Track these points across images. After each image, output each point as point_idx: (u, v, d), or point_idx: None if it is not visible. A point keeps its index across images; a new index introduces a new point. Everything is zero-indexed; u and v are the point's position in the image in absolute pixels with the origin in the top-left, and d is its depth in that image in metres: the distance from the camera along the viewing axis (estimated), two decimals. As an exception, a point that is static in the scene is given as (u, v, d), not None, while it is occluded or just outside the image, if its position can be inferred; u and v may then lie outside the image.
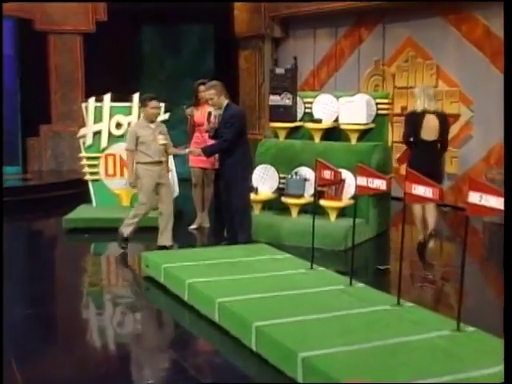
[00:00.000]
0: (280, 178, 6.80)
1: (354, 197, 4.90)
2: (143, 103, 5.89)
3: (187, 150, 6.06)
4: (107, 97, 7.72)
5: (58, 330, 4.34)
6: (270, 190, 6.83)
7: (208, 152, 5.81)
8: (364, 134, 6.73)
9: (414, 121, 5.78)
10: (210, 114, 5.88)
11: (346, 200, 6.36)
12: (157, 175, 5.80)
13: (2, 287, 4.67)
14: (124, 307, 4.63)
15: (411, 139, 5.80)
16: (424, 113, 5.75)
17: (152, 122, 5.85)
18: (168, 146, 5.90)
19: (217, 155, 6.00)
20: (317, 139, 6.85)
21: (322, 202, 6.35)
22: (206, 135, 6.53)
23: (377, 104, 6.75)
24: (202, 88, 6.57)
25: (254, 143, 8.10)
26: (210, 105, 5.87)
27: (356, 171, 4.36)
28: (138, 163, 5.83)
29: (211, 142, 6.21)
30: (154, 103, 5.83)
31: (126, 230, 5.96)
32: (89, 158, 7.72)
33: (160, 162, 5.82)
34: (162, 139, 5.78)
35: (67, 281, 5.32)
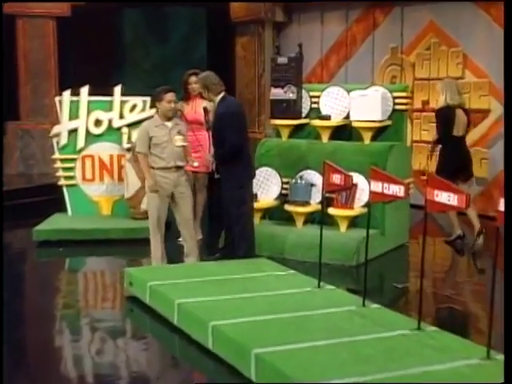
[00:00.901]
0: (283, 182, 6.81)
1: (368, 204, 4.92)
2: (158, 97, 5.58)
3: (196, 164, 5.84)
4: (84, 90, 7.73)
5: (26, 360, 4.31)
6: (272, 197, 6.84)
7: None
8: (379, 133, 6.74)
9: (448, 117, 6.32)
10: (205, 109, 5.86)
11: (358, 208, 6.36)
12: (173, 183, 5.56)
13: (1, 287, 4.98)
14: (104, 333, 4.62)
15: (443, 136, 6.33)
16: (454, 108, 6.36)
17: (169, 119, 5.61)
18: (187, 150, 5.69)
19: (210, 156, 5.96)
20: (325, 138, 6.87)
21: (331, 211, 6.35)
22: (201, 134, 6.54)
23: (394, 98, 6.76)
24: (192, 79, 6.60)
25: (254, 143, 8.05)
26: (203, 99, 5.89)
27: (370, 175, 4.37)
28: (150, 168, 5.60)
29: (205, 142, 6.21)
30: (170, 96, 5.54)
31: (155, 256, 5.65)
32: (63, 160, 7.72)
33: (177, 168, 5.58)
34: (179, 140, 5.57)
35: (38, 302, 5.31)
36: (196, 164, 5.87)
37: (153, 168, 5.54)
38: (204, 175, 6.81)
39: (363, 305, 4.44)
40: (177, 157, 5.60)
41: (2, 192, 8.06)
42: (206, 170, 6.68)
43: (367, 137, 6.70)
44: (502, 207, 3.33)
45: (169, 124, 5.63)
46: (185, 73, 6.81)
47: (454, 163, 6.61)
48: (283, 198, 6.76)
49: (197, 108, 6.67)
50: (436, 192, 3.79)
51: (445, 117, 6.51)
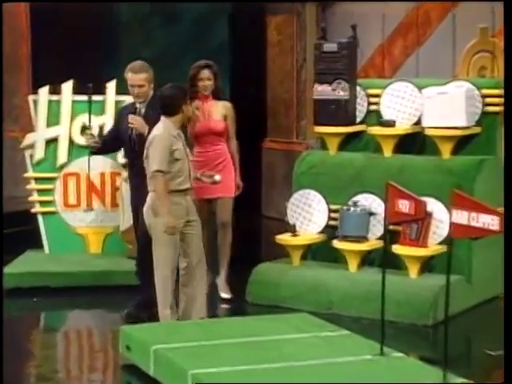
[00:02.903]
0: (331, 210, 6.81)
1: (448, 241, 4.87)
2: (183, 98, 5.72)
3: (217, 178, 5.87)
4: (67, 86, 7.83)
5: None
6: (315, 230, 6.85)
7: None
8: (463, 144, 6.72)
9: None
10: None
11: (433, 246, 6.32)
12: (185, 211, 5.66)
13: (1, 286, 5.67)
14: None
15: None
16: None
17: (184, 127, 5.90)
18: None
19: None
20: (388, 151, 6.86)
21: (397, 249, 6.33)
22: (219, 147, 6.62)
23: (483, 97, 6.74)
24: (205, 74, 6.63)
25: (291, 157, 8.03)
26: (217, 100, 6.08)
27: (451, 201, 4.34)
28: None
29: (227, 157, 6.25)
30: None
31: (164, 314, 5.68)
32: (39, 180, 7.82)
33: (190, 192, 5.76)
34: (190, 154, 5.83)
35: (4, 373, 5.22)
36: (218, 178, 5.91)
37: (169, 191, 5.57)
38: (230, 201, 6.79)
39: (444, 379, 4.38)
40: (191, 176, 5.72)
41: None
42: (231, 194, 6.70)
43: (447, 149, 6.66)
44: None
45: (181, 133, 5.73)
46: (192, 66, 6.75)
47: None
48: (331, 231, 6.75)
49: (211, 112, 6.68)
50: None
51: None
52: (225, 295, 6.85)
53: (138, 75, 6.15)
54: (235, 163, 6.81)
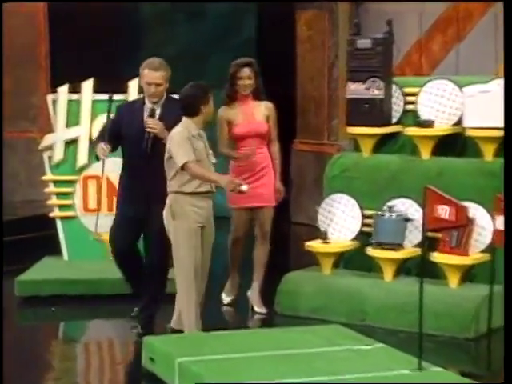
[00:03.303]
0: (364, 216, 6.79)
1: (491, 249, 4.85)
2: (205, 97, 5.70)
3: (244, 188, 5.69)
4: (87, 84, 7.86)
5: None
6: (348, 237, 6.83)
7: None
8: (506, 146, 6.70)
9: None
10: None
11: (475, 254, 6.26)
12: (205, 215, 5.71)
13: (1, 288, 5.70)
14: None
15: None
16: None
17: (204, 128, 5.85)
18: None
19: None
20: (426, 154, 6.82)
21: (436, 257, 6.28)
22: (262, 152, 6.56)
23: (528, 95, 6.72)
24: (245, 72, 6.55)
25: (322, 159, 7.99)
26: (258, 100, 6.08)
27: (494, 207, 4.33)
28: (177, 193, 5.63)
29: (268, 163, 6.28)
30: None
31: (189, 324, 5.70)
32: (58, 183, 7.84)
33: (211, 195, 5.78)
34: (212, 156, 5.81)
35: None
36: (245, 188, 5.76)
37: (182, 193, 5.62)
38: (271, 211, 6.70)
39: (486, 396, 4.40)
40: None
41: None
42: (272, 204, 6.63)
43: (489, 151, 6.61)
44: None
45: (203, 134, 5.75)
46: (232, 63, 6.68)
47: None
48: (365, 237, 6.74)
49: (254, 113, 6.63)
50: None
51: None
52: (259, 309, 6.77)
53: (156, 73, 5.99)
54: (276, 168, 6.75)
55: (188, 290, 5.62)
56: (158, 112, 6.06)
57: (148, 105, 6.09)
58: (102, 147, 6.06)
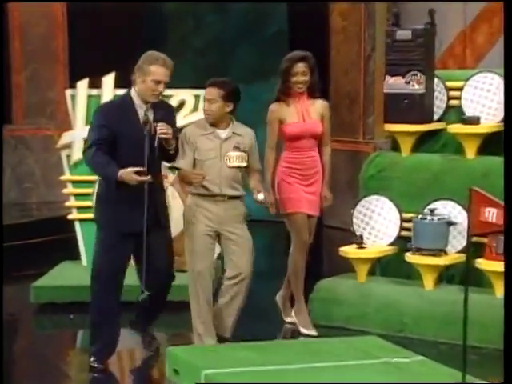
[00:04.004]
0: (403, 220, 6.78)
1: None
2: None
3: (260, 197, 5.80)
4: (108, 79, 7.89)
5: None
6: (386, 241, 6.83)
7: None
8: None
9: None
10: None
11: (524, 261, 6.23)
12: (216, 220, 5.78)
13: (1, 291, 5.71)
14: None
15: None
16: None
17: (226, 125, 5.84)
18: (253, 175, 5.92)
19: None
20: (471, 153, 6.82)
21: (481, 264, 6.27)
22: (314, 154, 6.42)
23: None
24: (300, 68, 6.31)
25: (356, 159, 7.92)
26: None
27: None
28: (191, 193, 5.84)
29: (320, 167, 6.29)
30: (207, 91, 5.87)
31: (197, 330, 5.84)
32: (77, 183, 7.89)
33: (226, 198, 5.78)
34: (235, 158, 5.77)
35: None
36: (261, 197, 5.79)
37: (191, 194, 5.81)
38: (315, 221, 6.57)
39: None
40: (227, 181, 5.74)
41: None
42: (317, 213, 6.52)
43: (540, 150, 6.57)
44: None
45: (222, 133, 5.76)
46: (285, 58, 6.42)
47: None
48: (403, 242, 6.73)
49: (308, 112, 6.40)
50: None
51: None
52: (306, 331, 6.47)
53: (168, 70, 5.64)
54: (326, 173, 6.56)
55: (193, 294, 5.80)
56: (150, 114, 5.68)
57: (142, 106, 5.66)
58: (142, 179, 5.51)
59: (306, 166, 6.40)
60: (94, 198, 6.01)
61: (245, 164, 5.83)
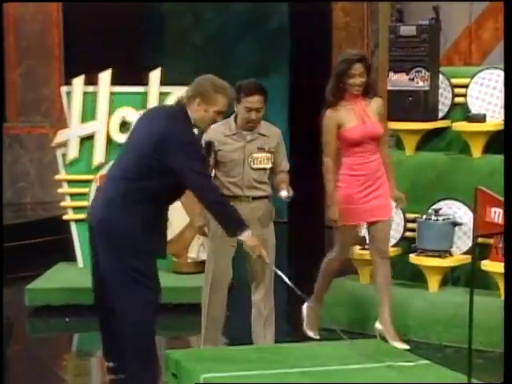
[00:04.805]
0: (407, 220, 6.79)
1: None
2: (237, 95, 5.63)
3: (284, 194, 5.66)
4: (105, 76, 7.87)
5: None
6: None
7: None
8: None
9: None
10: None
11: (531, 262, 6.22)
12: None
13: (1, 290, 5.84)
14: None
15: None
16: None
17: (251, 128, 5.76)
18: (279, 174, 5.84)
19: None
20: (476, 151, 6.82)
21: (487, 266, 6.27)
22: (375, 158, 6.17)
23: None
24: (357, 69, 6.02)
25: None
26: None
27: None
28: None
29: (383, 170, 6.10)
30: (252, 100, 5.63)
31: (207, 338, 5.88)
32: (72, 183, 7.89)
33: (251, 198, 5.75)
34: (259, 160, 5.76)
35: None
36: (284, 195, 5.68)
37: None
38: (388, 225, 6.35)
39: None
40: (250, 183, 5.72)
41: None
42: (389, 216, 6.30)
43: (547, 149, 6.57)
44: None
45: (248, 134, 5.73)
46: (341, 58, 6.25)
47: None
48: (407, 243, 6.76)
49: (368, 113, 6.14)
50: None
51: None
52: (399, 345, 6.11)
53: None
54: (390, 173, 6.29)
55: (204, 301, 5.81)
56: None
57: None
58: None
59: (372, 170, 6.15)
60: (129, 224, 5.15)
61: (270, 165, 5.78)
